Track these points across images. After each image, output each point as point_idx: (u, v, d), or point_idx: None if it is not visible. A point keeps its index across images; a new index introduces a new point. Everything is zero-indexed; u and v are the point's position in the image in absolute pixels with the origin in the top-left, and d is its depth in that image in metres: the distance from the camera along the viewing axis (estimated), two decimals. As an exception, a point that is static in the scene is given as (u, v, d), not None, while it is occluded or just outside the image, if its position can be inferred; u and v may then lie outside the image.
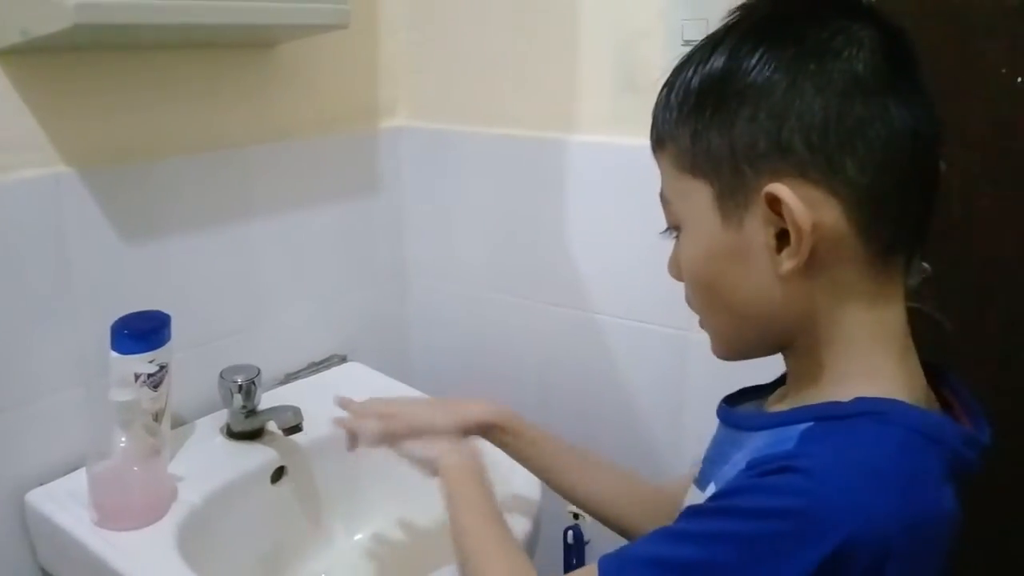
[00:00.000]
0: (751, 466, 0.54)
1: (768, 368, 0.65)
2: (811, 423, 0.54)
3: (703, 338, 0.65)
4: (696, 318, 0.65)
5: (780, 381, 0.66)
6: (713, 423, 0.68)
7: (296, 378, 1.23)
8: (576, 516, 1.12)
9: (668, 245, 0.65)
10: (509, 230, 1.27)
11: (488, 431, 0.86)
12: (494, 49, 1.23)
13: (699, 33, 1.01)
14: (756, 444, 0.58)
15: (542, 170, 1.21)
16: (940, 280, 0.58)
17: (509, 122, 1.24)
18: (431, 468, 0.80)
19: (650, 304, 1.14)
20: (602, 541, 0.90)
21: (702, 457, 0.69)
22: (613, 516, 0.85)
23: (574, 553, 1.13)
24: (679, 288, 1.00)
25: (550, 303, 1.25)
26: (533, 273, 1.26)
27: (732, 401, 0.69)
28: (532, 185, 1.23)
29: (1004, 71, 0.99)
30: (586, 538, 1.13)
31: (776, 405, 0.64)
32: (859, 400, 0.54)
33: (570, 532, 1.13)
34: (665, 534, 0.55)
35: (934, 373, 0.61)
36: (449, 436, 0.83)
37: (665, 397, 1.15)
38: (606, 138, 1.14)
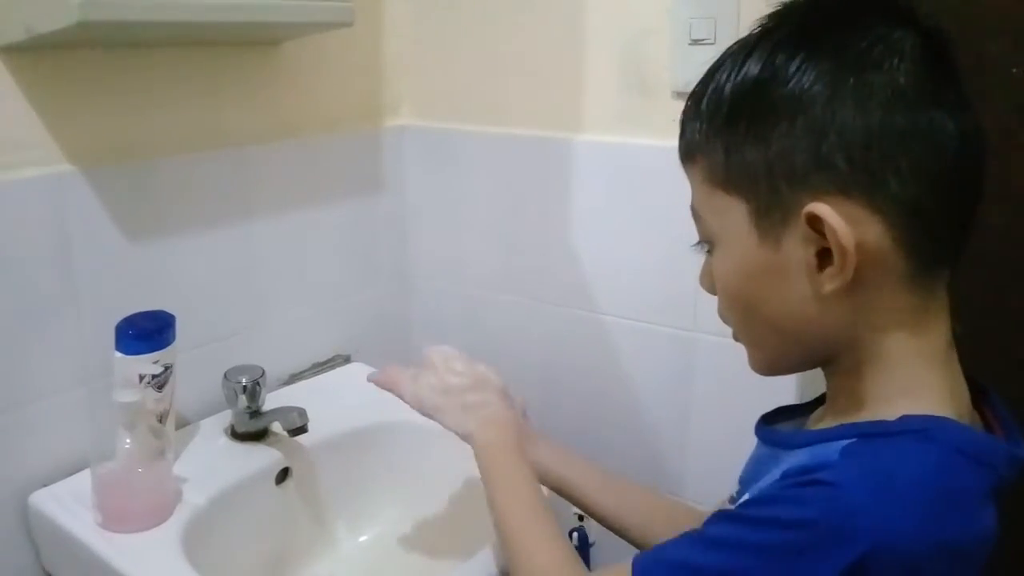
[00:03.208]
0: (785, 476, 0.54)
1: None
2: (854, 439, 0.53)
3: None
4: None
5: (818, 401, 0.65)
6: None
7: (300, 379, 1.23)
8: (581, 518, 1.11)
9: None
10: (514, 230, 1.26)
11: None
12: (499, 47, 1.23)
13: (707, 31, 1.01)
14: (797, 460, 0.56)
15: (547, 169, 1.20)
16: (950, 283, 0.58)
17: (514, 121, 1.23)
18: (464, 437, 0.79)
19: (656, 304, 1.13)
20: (608, 543, 0.90)
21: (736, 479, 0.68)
22: (637, 531, 0.82)
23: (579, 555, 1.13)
24: (685, 289, 0.99)
25: (554, 303, 1.24)
26: (537, 273, 1.25)
27: (769, 420, 0.67)
28: (537, 185, 1.22)
29: (1015, 71, 0.99)
30: (591, 540, 1.12)
31: (818, 424, 0.62)
32: (905, 418, 0.53)
33: (575, 534, 1.12)
34: (693, 539, 0.55)
35: (976, 389, 0.59)
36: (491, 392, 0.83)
37: (671, 398, 1.15)
38: (611, 137, 1.13)
